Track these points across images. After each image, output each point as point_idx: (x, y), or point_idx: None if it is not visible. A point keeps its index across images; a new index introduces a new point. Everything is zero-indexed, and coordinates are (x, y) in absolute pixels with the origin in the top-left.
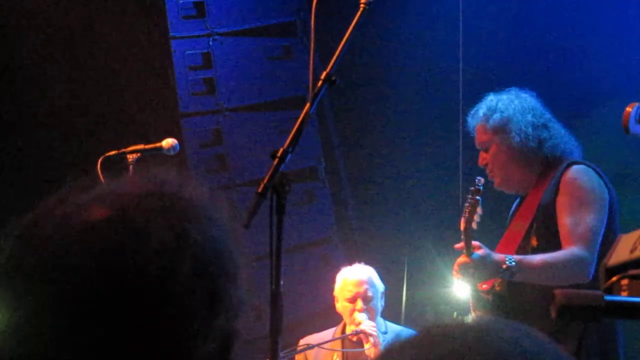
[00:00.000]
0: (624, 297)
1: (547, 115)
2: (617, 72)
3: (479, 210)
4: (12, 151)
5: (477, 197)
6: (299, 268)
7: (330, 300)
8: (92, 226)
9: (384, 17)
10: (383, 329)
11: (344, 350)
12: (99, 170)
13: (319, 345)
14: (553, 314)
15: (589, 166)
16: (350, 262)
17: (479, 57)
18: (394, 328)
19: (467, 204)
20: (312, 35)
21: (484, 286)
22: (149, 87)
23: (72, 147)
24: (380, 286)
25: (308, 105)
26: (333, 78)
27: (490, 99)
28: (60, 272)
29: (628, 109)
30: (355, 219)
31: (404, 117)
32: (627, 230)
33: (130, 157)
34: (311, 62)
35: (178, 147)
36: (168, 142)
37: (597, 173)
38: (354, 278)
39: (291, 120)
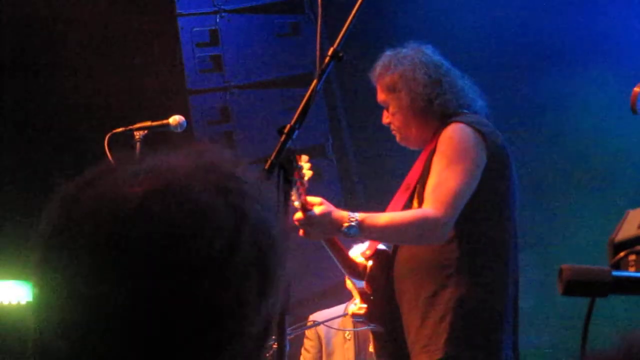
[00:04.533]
0: (631, 272)
1: (443, 70)
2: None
3: (301, 190)
4: (21, 129)
5: (298, 179)
6: (307, 245)
7: (339, 277)
8: (148, 197)
9: None
10: None
11: (355, 329)
12: (106, 147)
13: (325, 322)
14: (559, 290)
15: (471, 124)
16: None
17: (492, 33)
18: None
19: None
20: (320, 12)
21: (367, 252)
22: (156, 64)
23: (80, 124)
24: None
25: (315, 81)
26: (340, 54)
27: (385, 55)
28: (115, 244)
29: (636, 89)
30: (363, 195)
31: None
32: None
33: (138, 134)
34: (318, 38)
35: (185, 124)
36: (175, 119)
37: (479, 132)
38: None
39: (298, 97)
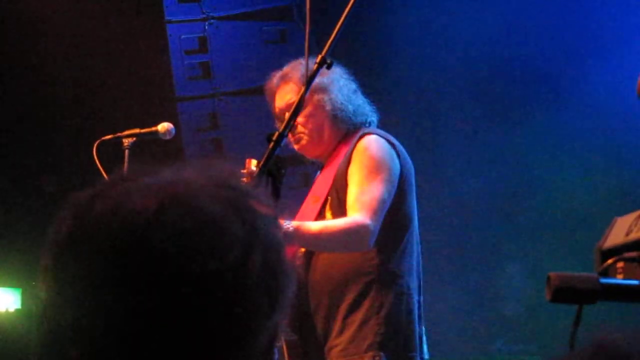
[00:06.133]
0: (619, 279)
1: (355, 84)
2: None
3: None
4: (10, 136)
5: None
6: None
7: None
8: (163, 208)
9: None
10: None
11: None
12: (94, 154)
13: None
14: (548, 297)
15: (382, 136)
16: None
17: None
18: None
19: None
20: (308, 19)
21: None
22: (144, 71)
23: (68, 132)
24: None
25: (303, 89)
26: (328, 61)
27: (302, 61)
28: (130, 252)
29: None
30: None
31: (403, 97)
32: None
33: (126, 141)
34: (306, 46)
35: (174, 132)
36: (164, 126)
37: (390, 144)
38: None
39: None
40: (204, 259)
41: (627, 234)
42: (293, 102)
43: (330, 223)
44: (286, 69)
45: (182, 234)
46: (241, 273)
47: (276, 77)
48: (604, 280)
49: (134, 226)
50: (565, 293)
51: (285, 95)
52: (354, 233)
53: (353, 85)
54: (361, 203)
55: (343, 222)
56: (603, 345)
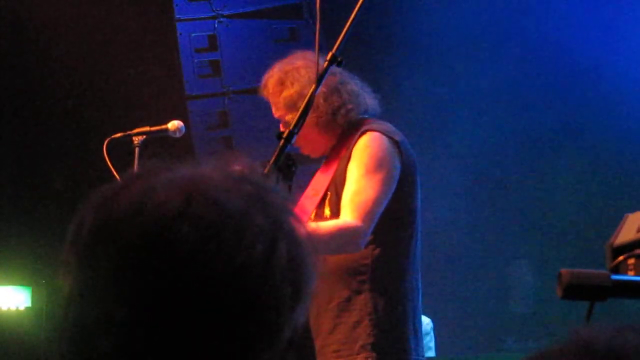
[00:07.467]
0: (630, 276)
1: (337, 77)
2: None
3: None
4: (20, 134)
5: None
6: None
7: None
8: (190, 201)
9: None
10: None
11: None
12: (104, 153)
13: None
14: (559, 294)
15: (385, 133)
16: None
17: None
18: None
19: None
20: (318, 17)
21: None
22: (154, 69)
23: (78, 130)
24: None
25: (313, 86)
26: (339, 59)
27: (275, 69)
28: (160, 244)
29: None
30: None
31: (411, 95)
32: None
33: (136, 140)
34: (317, 44)
35: (184, 130)
36: (174, 124)
37: (393, 141)
38: None
39: None
40: (232, 252)
41: (638, 231)
42: (279, 116)
43: (321, 226)
44: (272, 80)
45: (209, 227)
46: (267, 266)
47: (267, 87)
48: (615, 277)
49: (161, 219)
50: (576, 290)
51: (277, 110)
52: (344, 235)
53: (333, 82)
54: (355, 203)
55: (333, 225)
56: (585, 340)
